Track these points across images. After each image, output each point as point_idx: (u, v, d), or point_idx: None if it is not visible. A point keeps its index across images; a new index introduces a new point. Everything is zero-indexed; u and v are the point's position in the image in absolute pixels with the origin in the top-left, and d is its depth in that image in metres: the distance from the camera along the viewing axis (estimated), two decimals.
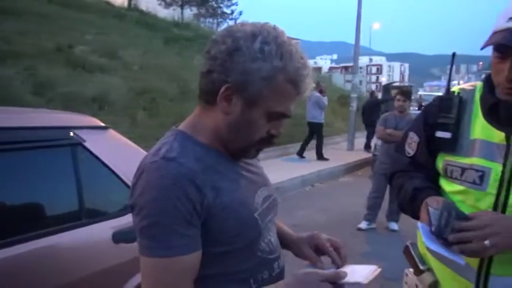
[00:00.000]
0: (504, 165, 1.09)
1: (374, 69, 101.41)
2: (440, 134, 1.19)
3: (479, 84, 1.23)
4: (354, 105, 11.15)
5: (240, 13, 29.47)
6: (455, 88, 1.26)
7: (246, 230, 0.91)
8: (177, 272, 0.83)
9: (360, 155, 9.95)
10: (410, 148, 1.30)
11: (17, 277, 1.54)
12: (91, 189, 1.83)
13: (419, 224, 1.13)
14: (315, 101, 8.82)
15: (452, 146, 1.17)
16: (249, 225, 0.92)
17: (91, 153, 1.84)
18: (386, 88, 14.15)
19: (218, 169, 0.90)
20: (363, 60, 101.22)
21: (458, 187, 1.16)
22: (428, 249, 1.09)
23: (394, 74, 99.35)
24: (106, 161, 1.88)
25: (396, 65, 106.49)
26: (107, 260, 1.79)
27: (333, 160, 8.71)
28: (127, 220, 1.84)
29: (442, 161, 1.21)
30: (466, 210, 1.10)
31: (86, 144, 1.83)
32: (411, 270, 1.28)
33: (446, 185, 1.21)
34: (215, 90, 0.87)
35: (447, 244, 1.03)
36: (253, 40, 0.85)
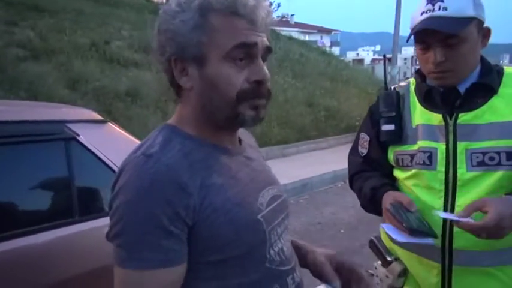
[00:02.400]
0: (447, 144, 1.19)
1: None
2: (385, 127, 1.29)
3: (412, 79, 1.35)
4: None
5: (279, 5, 29.21)
6: (392, 86, 1.37)
7: (244, 234, 0.78)
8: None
9: None
10: (363, 148, 1.39)
11: (7, 274, 1.51)
12: (85, 185, 1.79)
13: (382, 225, 1.20)
14: None
15: (398, 137, 1.28)
16: (248, 229, 0.79)
17: (86, 148, 1.79)
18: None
19: (210, 164, 0.79)
20: (408, 51, 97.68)
21: (409, 172, 1.25)
22: (396, 242, 1.18)
23: None
24: (102, 156, 1.82)
25: None
26: (101, 258, 1.74)
27: None
28: None
29: (392, 153, 1.31)
30: (420, 191, 1.22)
31: (81, 138, 1.78)
32: (379, 262, 1.34)
33: (400, 173, 1.30)
34: (171, 75, 0.81)
35: (412, 232, 1.11)
36: (169, 5, 0.79)
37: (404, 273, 1.29)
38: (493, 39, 1.29)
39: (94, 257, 1.72)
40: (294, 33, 29.00)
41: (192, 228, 0.74)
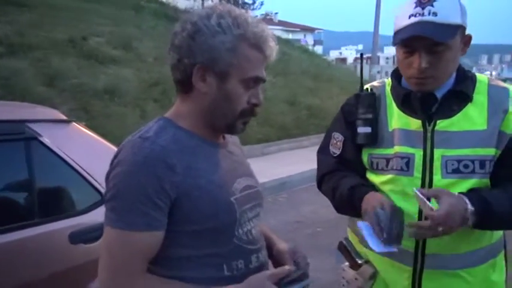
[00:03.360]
0: (424, 150, 1.19)
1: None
2: (361, 129, 1.27)
3: (387, 80, 1.33)
4: None
5: (262, 3, 29.16)
6: (365, 86, 1.34)
7: (220, 211, 0.93)
8: (132, 247, 0.87)
9: None
10: (336, 148, 1.35)
11: None
12: (47, 186, 1.75)
13: (360, 223, 1.18)
14: None
15: (374, 140, 1.26)
16: (224, 208, 0.94)
17: (48, 148, 1.74)
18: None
19: (198, 152, 0.95)
20: (390, 51, 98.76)
21: (385, 177, 1.24)
22: (368, 248, 1.17)
23: None
24: (65, 157, 1.78)
25: None
26: (64, 261, 1.70)
27: None
28: (86, 219, 1.75)
29: (366, 155, 1.29)
30: (396, 197, 1.20)
31: (43, 139, 1.73)
32: (347, 264, 1.33)
33: (374, 177, 1.28)
34: (188, 76, 0.94)
35: (386, 242, 1.11)
36: (209, 18, 0.93)
37: (374, 276, 1.29)
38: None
39: (56, 259, 1.68)
40: (278, 31, 29.03)
41: (175, 200, 0.89)
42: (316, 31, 62.82)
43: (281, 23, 53.28)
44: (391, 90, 1.28)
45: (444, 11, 1.11)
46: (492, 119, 1.17)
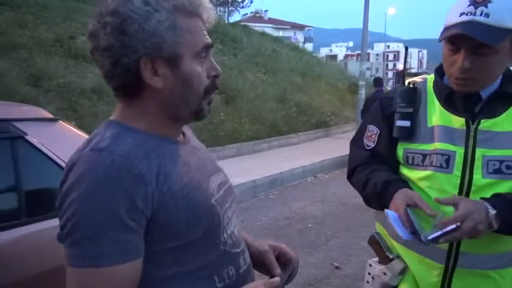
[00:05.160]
0: (466, 148, 1.17)
1: (391, 56, 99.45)
2: (400, 123, 1.25)
3: (429, 76, 1.31)
4: (363, 92, 10.87)
5: (251, 1, 29.13)
6: (407, 80, 1.33)
7: (201, 217, 0.80)
8: (109, 286, 0.71)
9: None
10: (370, 141, 1.34)
11: None
12: (33, 185, 1.73)
13: (387, 211, 1.16)
14: None
15: (411, 134, 1.24)
16: (206, 212, 0.82)
17: (34, 147, 1.73)
18: (401, 75, 13.58)
19: (162, 153, 0.80)
20: (379, 47, 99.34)
21: (423, 173, 1.21)
22: (398, 238, 1.16)
23: (412, 60, 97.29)
24: (52, 155, 1.76)
25: (414, 51, 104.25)
26: (52, 260, 1.68)
27: (340, 150, 8.51)
28: None
29: (402, 150, 1.26)
30: (433, 194, 1.18)
31: (28, 137, 1.72)
32: (375, 260, 1.32)
33: (409, 173, 1.26)
34: (134, 76, 0.78)
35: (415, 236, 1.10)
36: (127, 1, 0.76)
37: (404, 271, 1.28)
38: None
39: (43, 259, 1.66)
40: (268, 29, 29.02)
41: (151, 218, 0.74)
42: (306, 28, 62.92)
43: (271, 21, 53.31)
44: (433, 86, 1.26)
45: (497, 14, 1.08)
46: None
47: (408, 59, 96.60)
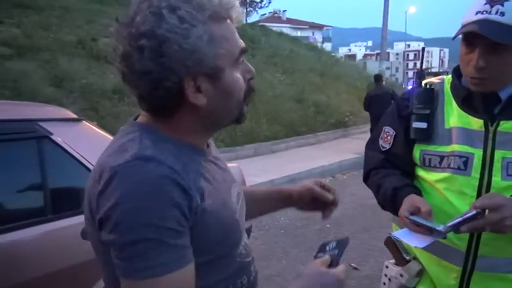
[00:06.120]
0: (484, 150, 1.16)
1: (411, 55, 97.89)
2: (416, 124, 1.25)
3: (446, 77, 1.30)
4: None
5: (270, 1, 29.12)
6: (424, 82, 1.32)
7: (228, 234, 0.81)
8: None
9: None
10: (386, 142, 1.33)
11: None
12: (58, 183, 1.78)
13: (394, 233, 1.18)
14: None
15: (428, 136, 1.23)
16: (232, 229, 0.82)
17: (59, 146, 1.78)
18: (418, 77, 13.39)
19: (194, 167, 0.78)
20: (400, 47, 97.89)
21: (441, 175, 1.21)
22: (416, 247, 1.16)
23: (433, 59, 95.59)
24: (76, 155, 1.82)
25: (435, 50, 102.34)
26: (75, 256, 1.74)
27: (358, 150, 8.44)
28: None
29: (418, 151, 1.26)
30: (451, 196, 1.18)
31: (54, 137, 1.78)
32: (391, 261, 1.32)
33: (426, 175, 1.25)
34: (175, 97, 0.75)
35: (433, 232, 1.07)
36: (163, 19, 0.71)
37: (420, 273, 1.26)
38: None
39: (67, 255, 1.72)
40: (286, 29, 28.98)
41: (191, 229, 0.73)
42: (325, 28, 62.50)
43: (289, 21, 53.19)
44: (451, 87, 1.25)
45: None
46: None
47: (429, 58, 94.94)
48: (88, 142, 1.90)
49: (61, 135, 1.80)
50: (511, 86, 1.17)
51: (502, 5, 1.08)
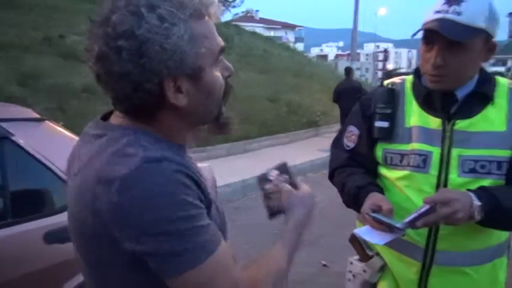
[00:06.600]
0: (442, 149, 1.21)
1: (381, 56, 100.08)
2: (379, 123, 1.28)
3: (407, 77, 1.34)
4: None
5: (242, 1, 29.08)
6: (386, 82, 1.36)
7: (225, 224, 0.84)
8: (226, 260, 0.73)
9: None
10: (350, 141, 1.37)
11: None
12: (20, 186, 1.72)
13: (356, 231, 1.22)
14: None
15: (390, 135, 1.27)
16: (224, 222, 0.85)
17: (21, 147, 1.72)
18: (389, 75, 13.82)
19: (187, 163, 0.78)
20: (370, 47, 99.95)
21: (401, 173, 1.25)
22: (375, 244, 1.22)
23: (401, 60, 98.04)
24: (39, 156, 1.75)
25: (404, 51, 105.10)
26: (38, 261, 1.68)
27: (329, 149, 8.54)
28: (62, 219, 1.73)
29: (381, 150, 1.30)
30: (411, 193, 1.22)
31: (15, 138, 1.71)
32: (355, 257, 1.36)
33: (388, 173, 1.29)
34: (155, 98, 0.73)
35: (392, 229, 1.12)
36: (142, 18, 0.69)
37: (383, 269, 1.31)
38: None
39: (30, 259, 1.66)
40: (259, 29, 29.02)
41: None
42: (297, 28, 63.08)
43: (262, 21, 53.34)
44: (411, 87, 1.29)
45: (469, 12, 1.11)
46: (511, 121, 1.18)
47: (398, 59, 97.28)
48: (51, 143, 1.84)
49: (23, 136, 1.74)
50: (467, 85, 1.22)
51: (459, 5, 1.13)
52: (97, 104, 6.60)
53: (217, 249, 0.71)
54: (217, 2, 0.79)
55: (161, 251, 0.68)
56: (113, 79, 0.71)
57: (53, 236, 1.69)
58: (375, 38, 74.21)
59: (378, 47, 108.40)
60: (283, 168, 0.94)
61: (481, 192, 1.13)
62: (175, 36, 0.70)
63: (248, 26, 23.04)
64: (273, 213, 0.92)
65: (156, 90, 0.72)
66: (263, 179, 0.92)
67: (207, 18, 0.76)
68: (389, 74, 14.15)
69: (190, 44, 0.72)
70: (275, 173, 0.93)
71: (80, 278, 1.74)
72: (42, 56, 7.20)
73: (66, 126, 2.19)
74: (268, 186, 0.91)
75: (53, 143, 1.84)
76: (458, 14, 1.12)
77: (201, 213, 0.72)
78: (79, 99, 6.70)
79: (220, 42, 0.79)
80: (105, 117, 0.83)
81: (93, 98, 6.80)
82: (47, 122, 1.91)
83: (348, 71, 8.94)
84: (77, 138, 1.94)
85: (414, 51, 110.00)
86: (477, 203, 1.10)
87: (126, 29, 0.68)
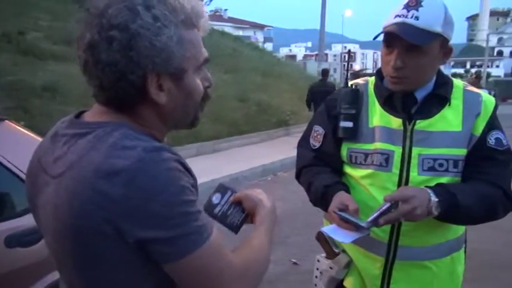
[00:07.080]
0: (403, 148, 1.25)
1: (347, 57, 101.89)
2: (343, 123, 1.32)
3: (370, 78, 1.38)
4: None
5: (210, 0, 28.93)
6: (350, 82, 1.39)
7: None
8: (220, 243, 0.78)
9: None
10: (316, 141, 1.39)
11: None
12: None
13: (323, 229, 1.26)
14: None
15: (354, 135, 1.31)
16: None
17: None
18: (356, 76, 14.12)
19: (178, 154, 0.84)
20: (337, 48, 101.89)
21: (365, 171, 1.29)
22: (341, 242, 1.25)
23: (367, 61, 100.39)
24: None
25: (369, 52, 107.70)
26: (0, 266, 1.61)
27: None
28: (23, 222, 1.66)
29: (346, 149, 1.33)
30: (375, 191, 1.27)
31: None
32: (322, 255, 1.39)
33: (353, 171, 1.33)
34: (137, 90, 0.77)
35: (358, 228, 1.16)
36: (138, 15, 0.74)
37: (349, 265, 1.35)
38: None
39: None
40: (228, 28, 28.96)
41: None
42: (266, 28, 63.37)
43: (231, 20, 53.21)
44: (374, 88, 1.34)
45: (426, 17, 1.17)
46: (466, 121, 1.25)
47: (364, 60, 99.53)
48: (10, 143, 1.76)
49: None
50: (426, 87, 1.27)
51: (417, 10, 1.18)
52: (59, 103, 6.40)
53: (212, 233, 0.77)
54: (207, 16, 0.84)
55: (168, 235, 0.72)
56: (99, 67, 0.75)
57: (14, 240, 1.62)
58: (342, 39, 75.68)
59: (345, 47, 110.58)
60: (222, 189, 0.97)
61: (438, 188, 1.18)
62: (165, 36, 0.76)
63: (217, 25, 22.93)
64: (237, 226, 0.94)
65: (139, 83, 0.76)
66: (209, 206, 0.95)
67: (195, 30, 0.82)
68: (356, 75, 14.48)
69: (178, 46, 0.78)
70: (217, 196, 0.96)
71: (45, 282, 1.68)
72: (0, 53, 6.89)
73: (29, 126, 2.10)
74: (217, 209, 0.95)
75: (13, 144, 1.77)
76: (417, 18, 1.17)
77: (196, 200, 0.77)
78: (40, 98, 6.46)
79: (205, 53, 0.84)
80: (77, 118, 0.84)
81: (54, 97, 6.58)
82: (6, 121, 1.83)
83: (325, 72, 9.11)
84: (39, 138, 1.88)
85: (379, 53, 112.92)
86: (435, 199, 1.15)
87: (120, 21, 0.73)
